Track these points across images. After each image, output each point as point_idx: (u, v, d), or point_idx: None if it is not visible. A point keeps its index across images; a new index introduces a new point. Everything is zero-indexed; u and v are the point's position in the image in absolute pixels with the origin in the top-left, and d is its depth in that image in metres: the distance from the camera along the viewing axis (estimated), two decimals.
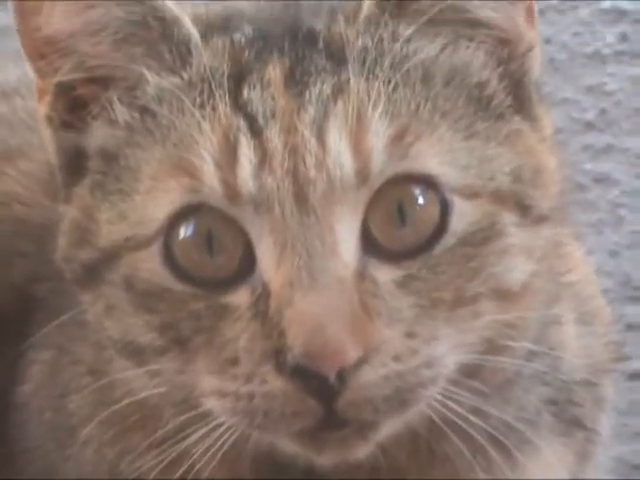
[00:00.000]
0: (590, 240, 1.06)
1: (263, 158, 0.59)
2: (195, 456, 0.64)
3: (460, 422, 0.62)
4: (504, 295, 0.62)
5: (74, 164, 0.67)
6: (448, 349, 0.60)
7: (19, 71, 0.87)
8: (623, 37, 1.38)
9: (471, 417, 0.62)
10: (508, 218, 0.62)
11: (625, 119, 1.33)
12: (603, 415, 0.77)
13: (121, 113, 0.65)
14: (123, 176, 0.64)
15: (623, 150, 1.31)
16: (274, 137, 0.59)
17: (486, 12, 0.63)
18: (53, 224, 0.69)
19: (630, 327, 1.14)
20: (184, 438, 0.64)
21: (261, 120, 0.60)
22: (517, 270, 0.62)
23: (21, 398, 0.78)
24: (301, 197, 0.59)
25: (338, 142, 0.59)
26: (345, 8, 0.64)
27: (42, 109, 0.67)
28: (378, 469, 0.65)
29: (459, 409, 0.61)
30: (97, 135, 0.66)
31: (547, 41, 1.31)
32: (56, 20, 0.64)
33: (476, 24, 0.64)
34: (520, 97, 0.66)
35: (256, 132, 0.60)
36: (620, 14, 1.39)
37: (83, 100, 0.67)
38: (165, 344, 0.63)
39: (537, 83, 0.67)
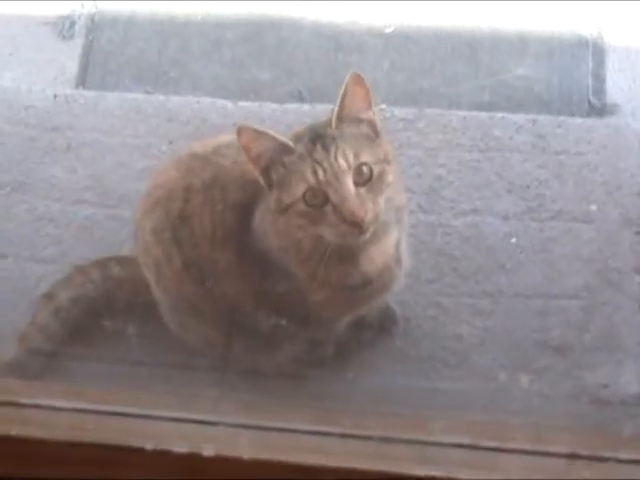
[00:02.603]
0: None
1: (324, 171, 1.55)
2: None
3: None
4: (389, 185, 1.59)
5: (269, 183, 1.61)
6: (382, 203, 1.59)
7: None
8: None
9: None
10: (385, 166, 1.59)
11: None
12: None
13: (280, 170, 1.59)
14: (286, 185, 1.58)
15: None
16: (326, 165, 1.55)
17: (363, 116, 1.60)
18: None
19: None
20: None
21: (320, 162, 1.55)
22: (390, 178, 1.60)
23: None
24: (336, 178, 1.55)
25: (340, 160, 1.55)
26: (328, 124, 1.59)
27: (257, 172, 1.60)
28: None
29: None
30: (275, 176, 1.59)
31: None
32: (254, 150, 1.58)
33: (362, 120, 1.60)
34: (377, 132, 1.62)
35: (320, 165, 1.55)
36: None
37: (269, 169, 1.60)
38: (311, 224, 1.59)
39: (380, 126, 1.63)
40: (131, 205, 2.06)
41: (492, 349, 2.02)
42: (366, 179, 1.55)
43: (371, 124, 1.60)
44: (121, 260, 2.04)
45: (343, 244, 1.60)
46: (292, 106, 2.33)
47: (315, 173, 1.54)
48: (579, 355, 2.00)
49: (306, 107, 2.32)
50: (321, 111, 2.19)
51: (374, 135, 1.60)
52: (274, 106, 2.32)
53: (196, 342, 1.94)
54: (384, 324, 2.03)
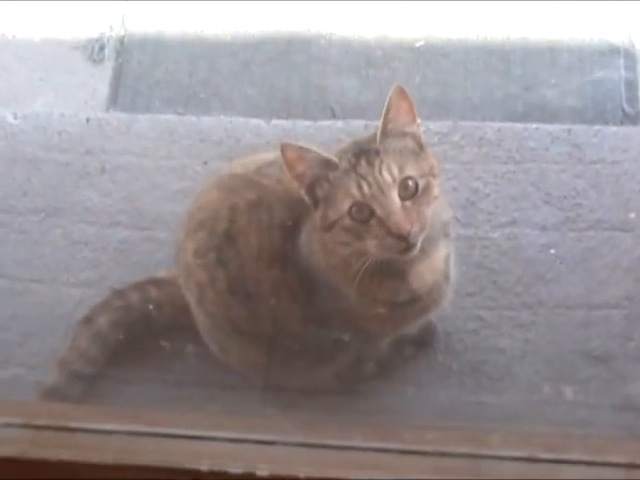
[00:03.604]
0: None
1: (369, 186, 1.55)
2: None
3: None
4: (435, 199, 1.59)
5: (315, 201, 1.61)
6: (429, 216, 1.58)
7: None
8: None
9: None
10: (431, 180, 1.59)
11: None
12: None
13: (325, 185, 1.59)
14: (332, 201, 1.58)
15: None
16: (371, 180, 1.56)
17: (408, 130, 1.61)
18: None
19: None
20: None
21: (365, 176, 1.56)
22: (436, 192, 1.60)
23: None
24: (382, 192, 1.55)
25: (385, 175, 1.56)
26: (373, 139, 1.60)
27: (302, 191, 1.61)
28: None
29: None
30: (319, 193, 1.60)
31: None
32: (298, 167, 1.59)
33: (407, 133, 1.61)
34: (422, 146, 1.62)
35: (365, 180, 1.56)
36: None
37: (313, 186, 1.60)
38: (357, 240, 1.58)
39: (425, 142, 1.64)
40: (166, 226, 2.06)
41: (534, 361, 2.01)
42: (412, 193, 1.56)
43: (415, 137, 1.61)
44: (158, 282, 2.04)
45: (390, 259, 1.60)
46: (326, 123, 2.33)
47: (360, 187, 1.55)
48: (623, 364, 1.99)
49: (340, 123, 2.31)
50: (355, 127, 2.19)
51: (419, 148, 1.60)
52: (307, 123, 2.32)
53: (237, 364, 1.93)
54: (425, 338, 2.03)
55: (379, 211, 1.54)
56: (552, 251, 2.12)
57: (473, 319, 2.05)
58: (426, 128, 2.23)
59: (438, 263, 1.71)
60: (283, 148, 1.57)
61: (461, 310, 2.05)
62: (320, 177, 1.59)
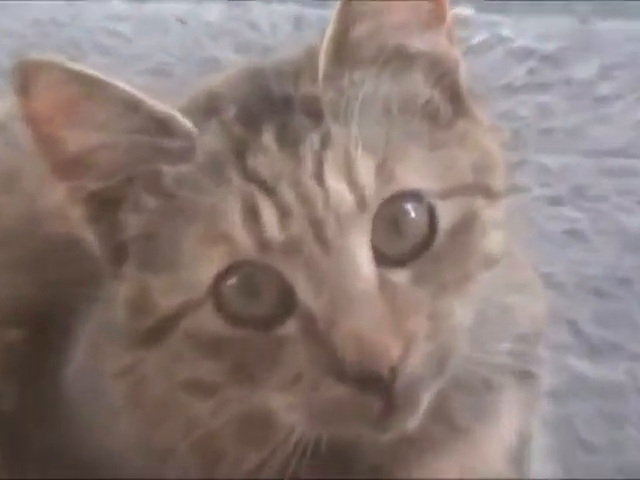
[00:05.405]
0: None
1: (282, 212, 0.69)
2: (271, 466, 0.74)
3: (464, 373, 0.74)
4: (491, 262, 0.74)
5: (116, 251, 0.76)
6: (462, 316, 0.73)
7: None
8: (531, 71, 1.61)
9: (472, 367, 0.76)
10: (478, 203, 0.74)
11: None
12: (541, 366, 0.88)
13: (150, 202, 0.74)
14: (166, 253, 0.72)
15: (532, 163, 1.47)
16: (285, 194, 0.69)
17: (418, 45, 0.76)
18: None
19: None
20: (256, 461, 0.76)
21: (270, 182, 0.70)
22: (495, 240, 0.75)
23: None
24: (320, 236, 0.68)
25: (336, 184, 0.69)
26: (304, 71, 0.75)
27: (77, 212, 0.76)
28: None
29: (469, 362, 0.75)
30: (132, 224, 0.75)
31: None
32: (72, 145, 0.72)
33: (412, 56, 0.75)
34: (459, 104, 0.77)
35: (270, 193, 0.69)
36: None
37: (114, 199, 0.75)
38: (232, 378, 0.73)
39: (468, 88, 0.79)
40: None
41: None
42: (413, 244, 0.72)
43: (438, 66, 0.77)
44: None
45: (344, 440, 0.75)
46: None
47: (255, 217, 0.69)
48: None
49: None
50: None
51: (447, 108, 0.77)
52: None
53: None
54: None
55: (311, 294, 0.69)
56: None
57: None
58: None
59: (496, 443, 0.83)
60: (22, 70, 0.69)
61: None
62: (136, 171, 0.73)
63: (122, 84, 0.71)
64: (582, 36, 1.66)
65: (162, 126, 0.72)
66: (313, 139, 0.71)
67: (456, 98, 0.77)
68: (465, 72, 0.77)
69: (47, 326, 0.89)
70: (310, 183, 0.69)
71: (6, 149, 0.97)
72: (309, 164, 0.70)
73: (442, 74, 0.76)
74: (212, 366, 0.73)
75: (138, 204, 0.74)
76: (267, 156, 0.71)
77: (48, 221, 0.88)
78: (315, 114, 0.72)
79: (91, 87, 0.70)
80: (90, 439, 0.86)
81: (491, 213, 0.75)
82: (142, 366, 0.80)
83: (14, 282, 0.92)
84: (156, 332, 0.74)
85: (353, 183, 0.69)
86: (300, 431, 0.71)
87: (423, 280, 0.71)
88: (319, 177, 0.69)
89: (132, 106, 0.71)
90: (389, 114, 0.73)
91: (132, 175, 0.73)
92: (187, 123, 0.72)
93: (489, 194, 0.75)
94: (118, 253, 0.75)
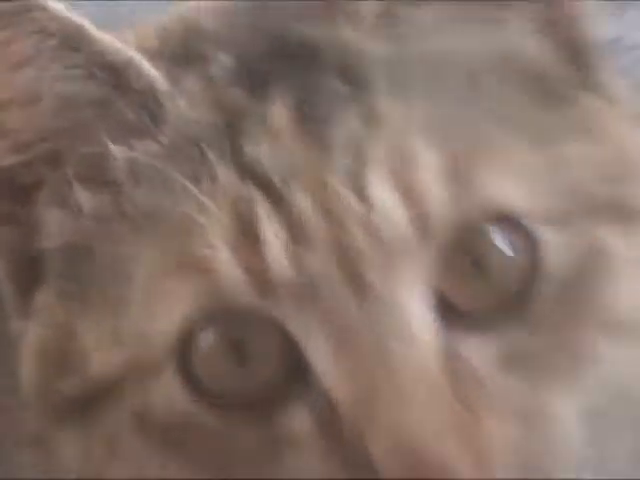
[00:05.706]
0: None
1: (294, 232, 0.43)
2: None
3: None
4: (626, 328, 0.46)
5: (26, 271, 0.50)
6: (570, 417, 0.45)
7: None
8: None
9: None
10: (608, 232, 0.46)
11: None
12: None
13: (85, 199, 0.47)
14: (105, 281, 0.46)
15: None
16: (301, 202, 0.43)
17: None
18: None
19: None
20: None
21: (278, 182, 0.44)
22: (634, 292, 0.47)
23: None
24: (353, 274, 0.43)
25: (383, 194, 0.43)
26: (339, 6, 0.45)
27: None
28: None
29: None
30: (53, 230, 0.49)
31: None
32: None
33: None
34: (582, 67, 0.49)
35: (276, 199, 0.44)
36: None
37: (29, 187, 0.49)
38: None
39: (596, 45, 0.50)
40: None
41: None
42: (504, 295, 0.46)
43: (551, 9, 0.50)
44: None
45: None
46: None
47: (249, 237, 0.45)
48: None
49: None
50: None
51: (564, 75, 0.50)
52: None
53: None
54: None
55: (333, 367, 0.45)
56: None
57: None
58: None
59: None
60: None
61: None
62: (67, 145, 0.49)
63: (59, 7, 0.45)
64: None
65: (113, 75, 0.45)
66: (350, 118, 0.44)
67: (579, 60, 0.49)
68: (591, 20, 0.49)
69: None
70: (342, 190, 0.43)
71: None
72: (342, 158, 0.44)
73: (559, 25, 0.48)
74: (172, 468, 0.45)
75: (65, 198, 0.47)
76: (276, 141, 0.44)
77: None
78: (356, 77, 0.45)
79: (12, 9, 0.45)
80: None
81: (629, 247, 0.47)
82: (57, 448, 0.50)
83: None
84: (81, 403, 0.47)
85: (410, 193, 0.43)
86: None
87: (515, 356, 0.44)
88: (357, 180, 0.43)
89: (71, 40, 0.45)
90: (473, 84, 0.45)
91: (60, 149, 0.47)
92: (153, 72, 0.46)
93: (626, 216, 0.47)
94: (28, 275, 0.49)
